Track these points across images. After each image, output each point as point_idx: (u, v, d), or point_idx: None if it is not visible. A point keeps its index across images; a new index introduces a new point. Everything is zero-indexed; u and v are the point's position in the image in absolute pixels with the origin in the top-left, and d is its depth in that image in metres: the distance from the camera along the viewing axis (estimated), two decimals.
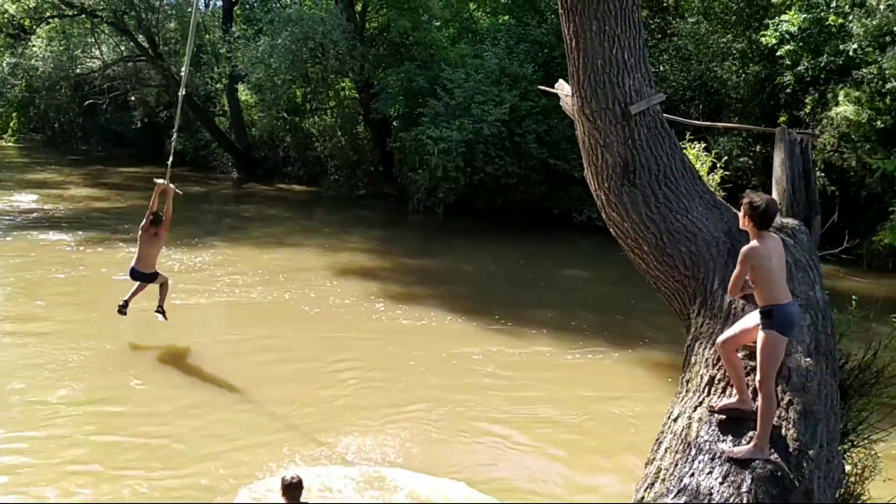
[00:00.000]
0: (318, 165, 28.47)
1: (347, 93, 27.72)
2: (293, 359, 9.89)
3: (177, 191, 10.00)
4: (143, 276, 9.85)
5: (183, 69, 9.00)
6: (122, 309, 9.74)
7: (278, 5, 28.39)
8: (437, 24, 24.32)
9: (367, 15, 25.94)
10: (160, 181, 9.81)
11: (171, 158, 10.12)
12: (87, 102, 32.39)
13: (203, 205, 23.59)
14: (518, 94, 20.73)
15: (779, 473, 3.63)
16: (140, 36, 28.87)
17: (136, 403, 8.37)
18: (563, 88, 6.51)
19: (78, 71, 29.99)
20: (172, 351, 9.87)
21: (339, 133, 27.63)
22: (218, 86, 29.38)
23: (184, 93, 9.69)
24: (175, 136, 10.32)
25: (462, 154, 19.96)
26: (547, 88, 7.86)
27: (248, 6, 31.24)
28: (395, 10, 24.31)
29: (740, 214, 4.08)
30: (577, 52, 4.98)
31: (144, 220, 9.75)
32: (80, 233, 16.68)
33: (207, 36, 31.22)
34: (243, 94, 30.16)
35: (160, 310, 9.95)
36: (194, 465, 6.98)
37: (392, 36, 24.39)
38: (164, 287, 10.02)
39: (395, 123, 25.01)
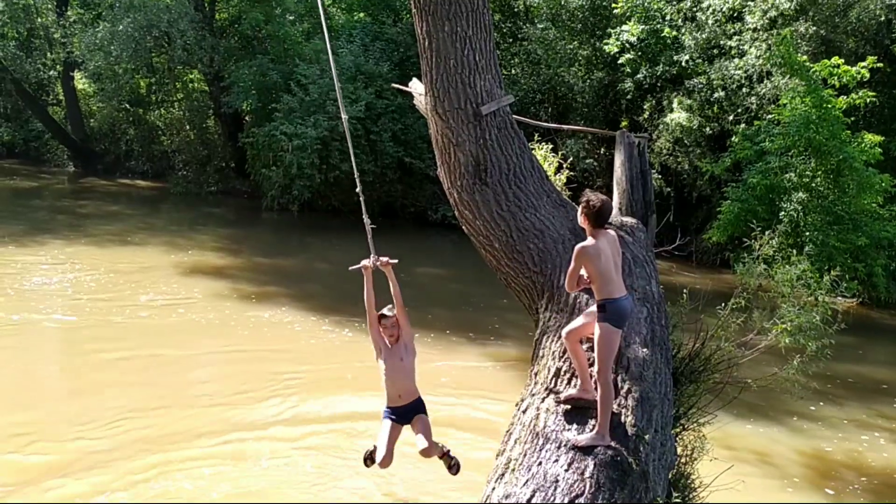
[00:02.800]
0: (164, 160, 27.14)
1: (196, 85, 26.62)
2: (151, 360, 9.35)
3: (391, 261, 5.40)
4: (406, 410, 5.42)
5: None
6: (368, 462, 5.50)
7: None
8: (291, 18, 23.84)
9: (217, 5, 24.99)
10: (367, 262, 5.40)
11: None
12: None
13: (34, 200, 21.84)
14: (374, 92, 20.71)
15: (618, 458, 3.83)
16: None
17: None
18: (416, 87, 6.57)
19: None
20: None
21: (188, 127, 26.49)
22: (52, 73, 27.31)
23: None
24: None
25: (317, 151, 19.69)
26: (401, 87, 7.91)
27: None
28: (247, 2, 23.61)
29: (579, 213, 4.25)
30: (430, 51, 5.03)
31: (373, 332, 5.50)
32: None
33: (40, 19, 28.94)
34: (80, 82, 28.21)
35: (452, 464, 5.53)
36: None
37: (244, 28, 23.65)
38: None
39: (247, 118, 24.28)
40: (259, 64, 22.07)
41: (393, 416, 5.41)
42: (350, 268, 5.54)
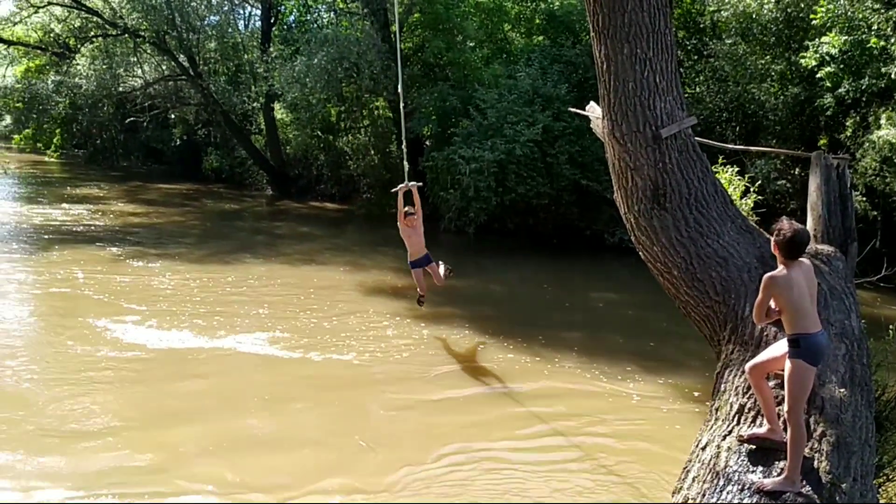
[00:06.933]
0: (350, 184, 28.70)
1: (381, 112, 27.95)
2: (329, 383, 9.90)
3: (417, 184, 11.19)
4: (423, 260, 11.25)
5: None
6: (421, 299, 11.59)
7: (315, 26, 28.80)
8: (472, 44, 24.44)
9: (402, 35, 26.16)
10: (403, 186, 10.97)
11: (406, 167, 11.39)
12: (129, 120, 33.22)
13: (237, 221, 23.89)
14: (551, 115, 20.69)
15: None
16: (181, 56, 29.52)
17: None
18: (594, 111, 6.50)
19: (120, 89, 30.76)
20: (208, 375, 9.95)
21: (373, 152, 27.82)
22: (255, 104, 29.85)
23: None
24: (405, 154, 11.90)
25: (494, 174, 19.94)
26: (578, 111, 7.84)
27: (286, 27, 31.73)
28: (430, 31, 24.50)
29: (772, 242, 4.02)
30: (609, 75, 4.96)
31: (400, 220, 11.08)
32: (117, 247, 17.03)
33: (246, 56, 31.78)
34: (279, 112, 30.59)
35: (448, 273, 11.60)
36: None
37: (426, 56, 24.57)
38: (433, 268, 11.37)
39: (427, 143, 25.12)
40: (440, 90, 22.81)
41: (416, 266, 11.30)
42: (392, 189, 11.32)
